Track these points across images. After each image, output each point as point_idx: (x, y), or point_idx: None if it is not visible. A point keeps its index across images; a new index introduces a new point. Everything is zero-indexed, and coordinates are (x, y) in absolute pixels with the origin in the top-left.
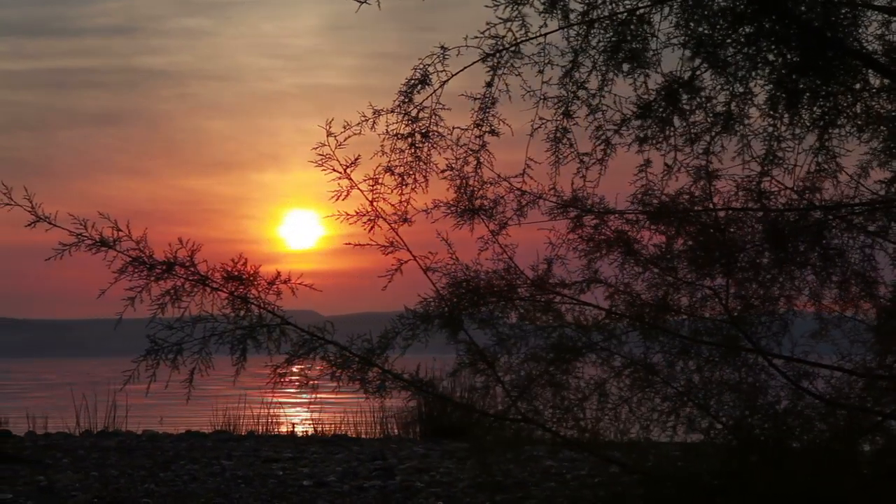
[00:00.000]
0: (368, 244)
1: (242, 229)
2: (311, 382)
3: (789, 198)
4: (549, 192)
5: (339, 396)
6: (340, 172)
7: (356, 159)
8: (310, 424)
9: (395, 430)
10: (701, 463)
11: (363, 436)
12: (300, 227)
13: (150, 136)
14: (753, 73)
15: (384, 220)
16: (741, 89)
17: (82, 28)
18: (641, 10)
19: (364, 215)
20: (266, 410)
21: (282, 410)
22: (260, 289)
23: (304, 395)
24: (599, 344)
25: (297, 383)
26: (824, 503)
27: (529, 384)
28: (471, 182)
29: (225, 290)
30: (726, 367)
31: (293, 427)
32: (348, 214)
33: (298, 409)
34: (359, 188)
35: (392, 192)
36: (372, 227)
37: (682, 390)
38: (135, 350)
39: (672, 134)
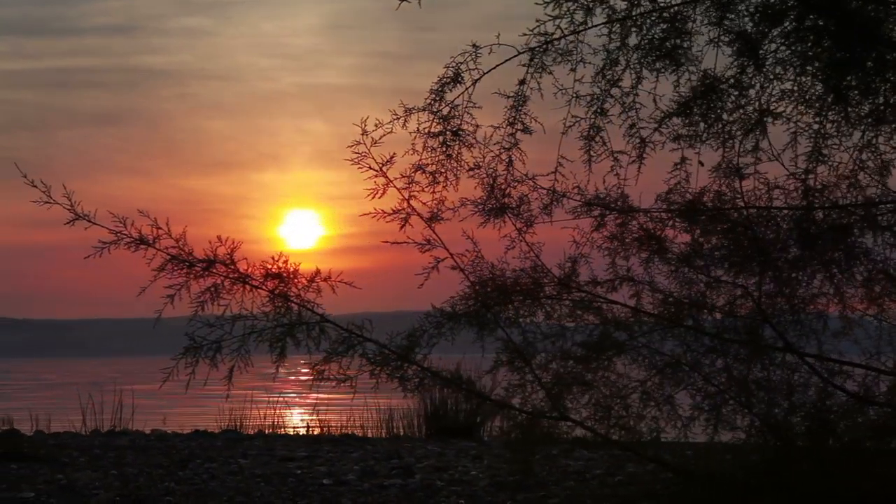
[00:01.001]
0: (405, 242)
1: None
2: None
3: (830, 196)
4: (573, 191)
5: (341, 396)
6: (377, 170)
7: (391, 157)
8: (314, 424)
9: (401, 430)
10: (739, 461)
11: (369, 435)
12: (300, 227)
13: (150, 135)
14: (799, 70)
15: (421, 217)
16: (788, 86)
17: (82, 27)
18: (680, 7)
19: (398, 213)
20: (272, 410)
21: (288, 410)
22: (299, 286)
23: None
24: (641, 342)
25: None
26: (864, 502)
27: (569, 382)
28: (500, 180)
29: (264, 287)
30: (760, 365)
31: (308, 426)
32: (385, 212)
33: (301, 409)
34: (395, 186)
35: (423, 190)
36: (403, 226)
37: (722, 388)
38: (135, 350)
39: (709, 132)
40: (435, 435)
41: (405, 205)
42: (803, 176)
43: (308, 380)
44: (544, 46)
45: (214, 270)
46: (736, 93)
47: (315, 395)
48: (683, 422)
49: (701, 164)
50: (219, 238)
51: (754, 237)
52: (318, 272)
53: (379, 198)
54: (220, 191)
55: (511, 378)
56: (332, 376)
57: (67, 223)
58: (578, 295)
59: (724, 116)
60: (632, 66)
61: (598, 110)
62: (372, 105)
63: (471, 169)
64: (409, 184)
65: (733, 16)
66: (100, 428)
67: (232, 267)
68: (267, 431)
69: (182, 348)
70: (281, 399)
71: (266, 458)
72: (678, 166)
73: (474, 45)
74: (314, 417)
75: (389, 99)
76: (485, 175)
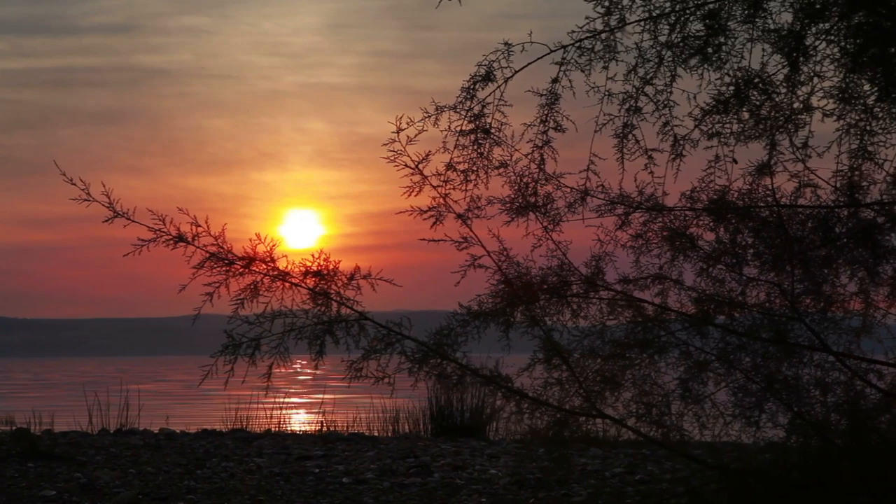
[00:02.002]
0: (443, 240)
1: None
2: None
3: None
4: (597, 189)
5: (345, 396)
6: (412, 168)
7: (427, 154)
8: (320, 423)
9: (407, 429)
10: (781, 458)
11: (375, 433)
12: (300, 227)
13: (150, 134)
14: (843, 65)
15: (457, 215)
16: (832, 83)
17: (82, 26)
18: (716, 4)
19: (433, 209)
20: (279, 410)
21: (292, 410)
22: (339, 284)
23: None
24: (681, 339)
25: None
26: None
27: (608, 380)
28: (528, 178)
29: (304, 285)
30: (790, 363)
31: (321, 425)
32: (421, 210)
33: (304, 409)
34: (430, 184)
35: (454, 189)
36: (434, 224)
37: (764, 385)
38: (134, 350)
39: (748, 129)
40: (441, 434)
41: (439, 202)
42: (849, 174)
43: (308, 380)
44: (578, 44)
45: (254, 268)
46: (778, 90)
47: (321, 395)
48: (725, 419)
49: (734, 161)
50: (258, 236)
51: (787, 235)
52: (357, 269)
53: (415, 195)
54: (221, 190)
55: (548, 376)
56: (369, 374)
57: (106, 221)
58: (606, 293)
59: (763, 114)
60: (666, 64)
61: (633, 108)
62: (372, 104)
63: (498, 167)
64: (444, 182)
65: (765, 14)
66: (107, 427)
67: (271, 264)
68: (274, 430)
69: (221, 346)
70: (283, 399)
71: (283, 457)
72: (712, 164)
73: (506, 44)
74: (320, 417)
75: (389, 98)
76: (512, 174)
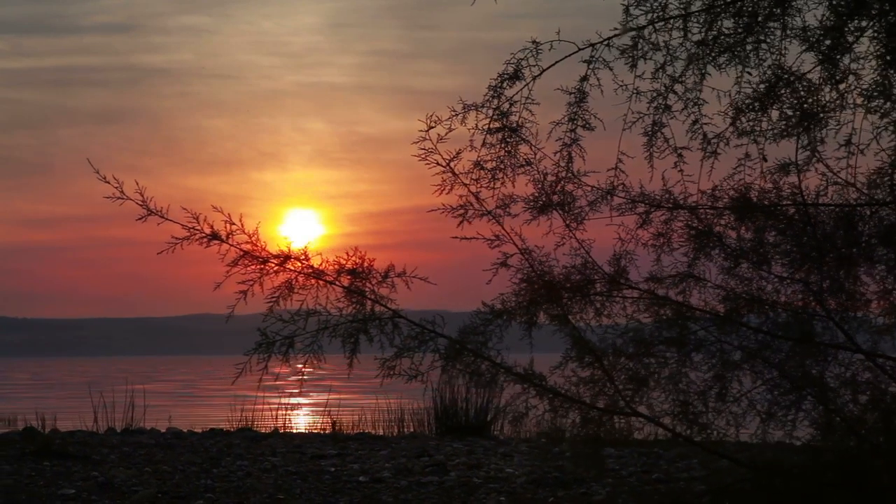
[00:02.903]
0: (475, 238)
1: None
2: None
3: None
4: (619, 187)
5: (349, 396)
6: (444, 166)
7: (458, 152)
8: (327, 423)
9: (412, 428)
10: (815, 458)
11: (380, 433)
12: (300, 226)
13: (150, 134)
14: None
15: (487, 212)
16: (870, 80)
17: (82, 26)
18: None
19: (463, 208)
20: (284, 410)
21: (297, 410)
22: (373, 282)
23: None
24: (715, 337)
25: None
26: None
27: (642, 379)
28: (553, 176)
29: (338, 283)
30: (822, 362)
31: (332, 425)
32: (452, 207)
33: (307, 409)
34: (462, 182)
35: (483, 188)
36: (461, 222)
37: (798, 384)
38: (134, 349)
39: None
40: (446, 433)
41: (466, 200)
42: (890, 171)
43: (308, 381)
44: (607, 42)
45: (289, 266)
46: (816, 86)
47: (327, 396)
48: (762, 417)
49: (764, 159)
50: (291, 235)
51: (815, 234)
52: (392, 267)
53: (447, 193)
54: (221, 189)
55: (581, 374)
56: (402, 372)
57: (139, 219)
58: (631, 293)
59: (805, 109)
60: (696, 62)
61: (662, 106)
62: (371, 104)
63: (521, 165)
64: (475, 180)
65: (794, 12)
66: (112, 426)
67: (306, 262)
68: (281, 430)
69: (254, 343)
70: (290, 398)
71: (297, 456)
72: (742, 162)
73: (534, 42)
74: (326, 417)
75: (389, 98)
76: (536, 171)
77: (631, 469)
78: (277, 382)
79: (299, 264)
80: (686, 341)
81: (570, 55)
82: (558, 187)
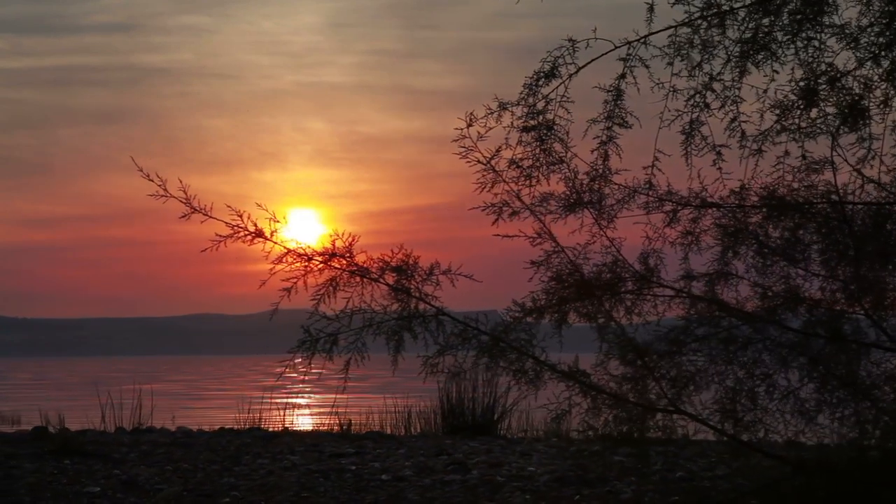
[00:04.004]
0: (517, 235)
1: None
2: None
3: None
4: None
5: (352, 396)
6: (484, 164)
7: (498, 150)
8: (333, 422)
9: (419, 427)
10: (861, 455)
11: (388, 431)
12: (301, 226)
13: (150, 134)
14: None
15: (527, 206)
16: None
17: (82, 25)
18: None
19: (504, 205)
20: (292, 409)
21: (300, 409)
22: (418, 280)
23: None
24: (763, 336)
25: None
26: None
27: (689, 377)
28: (588, 175)
29: (382, 280)
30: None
31: (342, 424)
32: (493, 205)
33: (310, 408)
34: (504, 179)
35: (520, 186)
36: (496, 221)
37: (843, 382)
38: (134, 349)
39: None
40: (453, 432)
41: (503, 198)
42: None
43: (309, 380)
44: (643, 40)
45: (333, 263)
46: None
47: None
48: (810, 415)
49: (804, 157)
50: (336, 232)
51: (851, 232)
52: (437, 264)
53: (488, 191)
54: (221, 189)
55: (625, 372)
56: (445, 369)
57: (182, 217)
58: (661, 290)
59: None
60: (734, 60)
61: (700, 104)
62: (372, 104)
63: (553, 163)
64: (515, 179)
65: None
66: (121, 426)
67: (350, 259)
68: (290, 429)
69: (297, 341)
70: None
71: (315, 455)
72: (781, 160)
73: (571, 40)
74: (335, 416)
75: (389, 97)
76: (568, 170)
77: (654, 468)
78: (279, 383)
79: (344, 261)
80: (734, 339)
81: (606, 53)
82: (595, 185)
